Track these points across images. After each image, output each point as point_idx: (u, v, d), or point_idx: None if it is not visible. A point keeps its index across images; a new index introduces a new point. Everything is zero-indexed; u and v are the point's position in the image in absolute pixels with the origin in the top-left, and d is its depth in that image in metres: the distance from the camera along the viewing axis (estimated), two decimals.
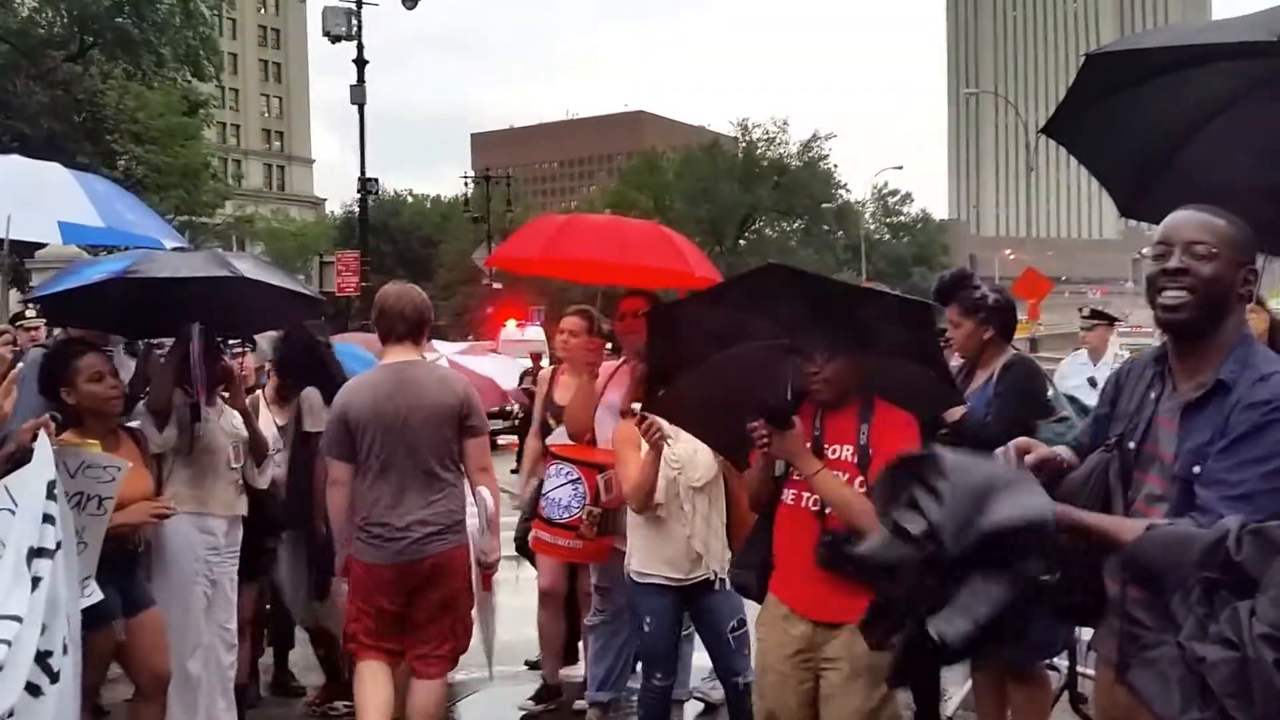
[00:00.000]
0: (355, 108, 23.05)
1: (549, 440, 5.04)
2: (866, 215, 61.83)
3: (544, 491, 4.59)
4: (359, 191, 24.71)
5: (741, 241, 55.57)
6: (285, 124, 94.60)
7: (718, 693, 5.24)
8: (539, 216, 6.56)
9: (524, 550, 5.27)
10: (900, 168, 68.16)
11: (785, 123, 57.29)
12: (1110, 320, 8.08)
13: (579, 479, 4.48)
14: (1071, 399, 4.45)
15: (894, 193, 65.41)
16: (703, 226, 49.85)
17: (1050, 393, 4.07)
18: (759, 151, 56.44)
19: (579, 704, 4.99)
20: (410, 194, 65.02)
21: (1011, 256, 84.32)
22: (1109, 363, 7.38)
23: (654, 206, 49.89)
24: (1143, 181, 3.75)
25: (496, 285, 33.38)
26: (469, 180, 42.16)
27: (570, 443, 4.78)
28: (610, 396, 4.71)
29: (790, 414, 3.05)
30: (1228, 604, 1.42)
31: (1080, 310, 8.57)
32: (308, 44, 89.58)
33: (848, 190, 59.72)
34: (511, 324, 21.61)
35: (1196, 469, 2.11)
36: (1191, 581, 1.47)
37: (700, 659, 4.93)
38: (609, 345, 5.23)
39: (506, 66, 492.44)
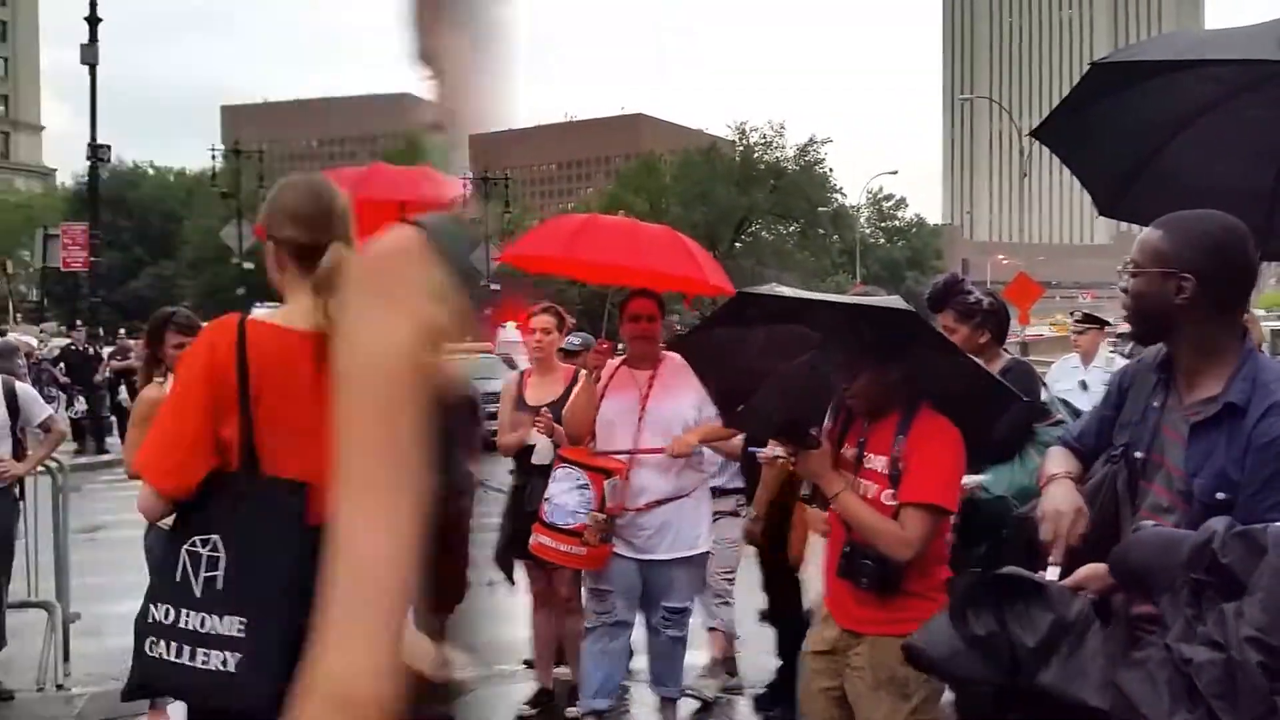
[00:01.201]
0: (87, 70, 21.53)
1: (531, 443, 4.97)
2: (861, 219, 61.98)
3: (548, 496, 4.50)
4: (89, 159, 22.84)
5: (737, 244, 55.66)
6: (10, 87, 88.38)
7: (710, 690, 5.29)
8: (554, 217, 6.65)
9: (504, 559, 5.19)
10: (895, 172, 68.45)
11: (782, 126, 57.61)
12: (1101, 324, 8.14)
13: (587, 484, 4.43)
14: (1064, 402, 4.49)
15: (889, 197, 65.68)
16: (699, 230, 49.91)
17: (1045, 396, 4.12)
18: (756, 155, 56.52)
19: (571, 711, 4.97)
20: (151, 166, 63.52)
21: (1004, 261, 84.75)
22: (1100, 366, 7.46)
23: (650, 209, 49.90)
24: (1123, 182, 3.81)
25: (248, 266, 29.95)
26: (216, 154, 39.04)
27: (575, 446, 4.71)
28: (614, 397, 4.67)
29: (807, 432, 3.04)
30: (1215, 605, 1.42)
31: (1072, 314, 8.61)
32: (38, 4, 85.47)
33: (843, 194, 59.76)
34: (510, 326, 21.40)
35: (1221, 495, 2.09)
36: (1179, 583, 1.48)
37: (692, 657, 4.95)
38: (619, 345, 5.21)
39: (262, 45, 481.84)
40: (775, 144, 56.49)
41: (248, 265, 30.84)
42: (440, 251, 1.10)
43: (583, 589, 4.84)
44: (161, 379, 4.55)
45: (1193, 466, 2.16)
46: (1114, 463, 2.32)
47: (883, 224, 65.17)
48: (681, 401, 4.53)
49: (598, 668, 4.62)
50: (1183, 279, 2.18)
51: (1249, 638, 1.33)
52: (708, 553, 4.77)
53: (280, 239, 2.39)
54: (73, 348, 18.19)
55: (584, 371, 5.08)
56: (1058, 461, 2.54)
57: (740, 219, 56.13)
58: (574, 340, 6.05)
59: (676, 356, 4.38)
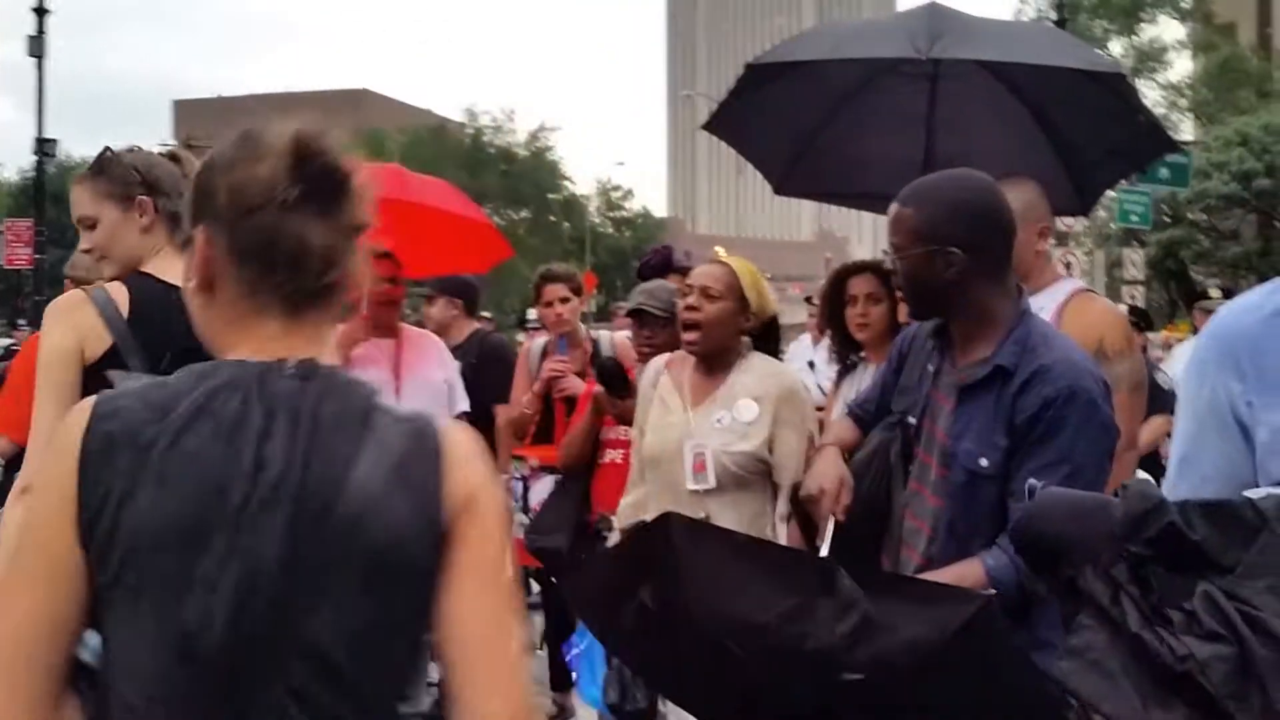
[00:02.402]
0: (34, 63, 20.99)
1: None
2: (591, 208, 62.91)
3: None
4: (35, 153, 22.38)
5: None
6: None
7: None
8: None
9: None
10: (622, 164, 71.34)
11: (512, 112, 58.09)
12: None
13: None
14: None
15: (617, 188, 67.87)
16: None
17: None
18: (486, 139, 56.45)
19: None
20: None
21: (723, 254, 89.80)
22: (825, 346, 8.11)
23: None
24: (790, 162, 4.01)
25: None
26: (166, 150, 39.52)
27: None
28: (363, 371, 4.06)
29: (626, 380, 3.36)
30: (1171, 585, 1.21)
31: (808, 299, 8.97)
32: None
33: (573, 183, 60.31)
34: None
35: (984, 462, 2.03)
36: (1107, 557, 1.25)
37: None
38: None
39: (214, 38, 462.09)
40: (505, 129, 56.44)
41: None
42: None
43: None
44: None
45: (957, 430, 2.09)
46: (889, 430, 2.26)
47: (611, 214, 66.36)
48: (433, 370, 4.28)
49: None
50: (949, 254, 2.08)
51: (1268, 631, 1.12)
52: None
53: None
54: (15, 349, 17.48)
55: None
56: (831, 431, 2.51)
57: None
58: None
59: (410, 327, 4.40)
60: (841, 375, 3.71)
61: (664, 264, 4.44)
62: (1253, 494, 1.27)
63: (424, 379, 4.19)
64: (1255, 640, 1.14)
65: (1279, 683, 1.12)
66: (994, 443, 2.03)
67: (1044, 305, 2.86)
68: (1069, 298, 2.94)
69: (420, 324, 5.29)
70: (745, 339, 3.05)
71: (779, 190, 4.24)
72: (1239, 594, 1.18)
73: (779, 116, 3.85)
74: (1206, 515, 1.23)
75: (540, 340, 4.88)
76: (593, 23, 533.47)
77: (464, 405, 4.42)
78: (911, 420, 2.20)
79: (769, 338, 3.14)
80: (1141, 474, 4.40)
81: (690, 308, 3.00)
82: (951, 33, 3.27)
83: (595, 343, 4.67)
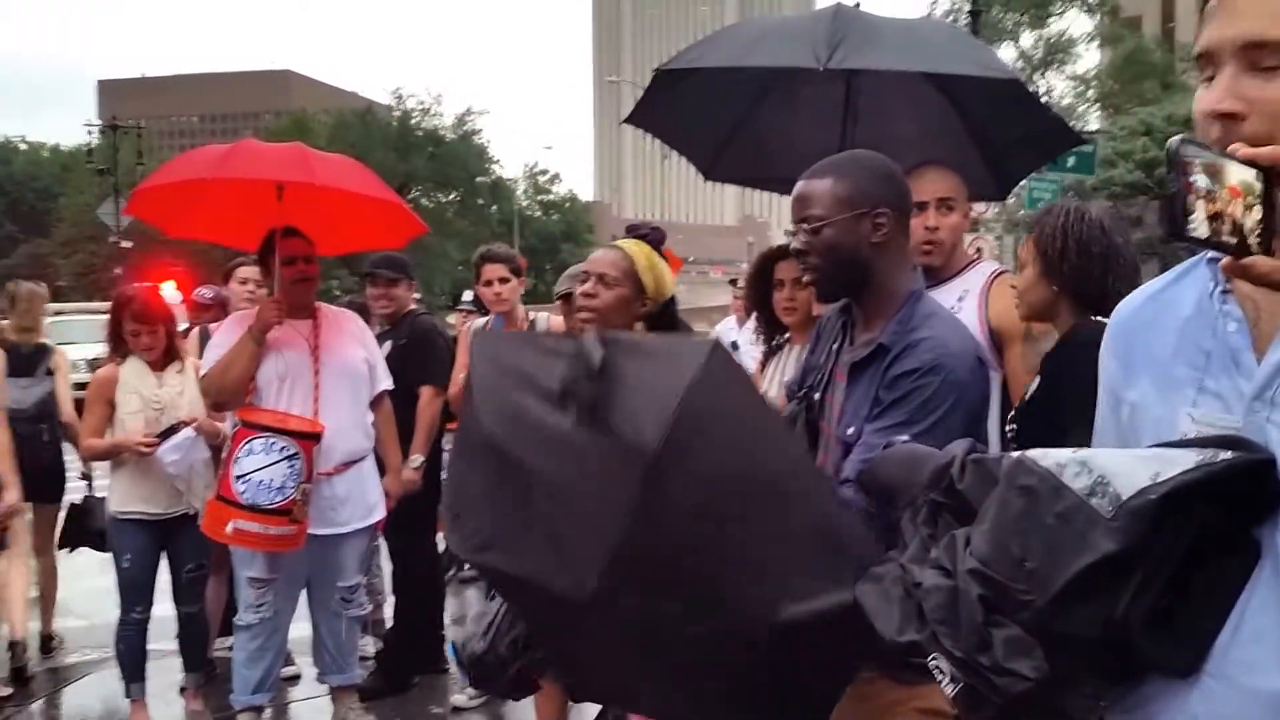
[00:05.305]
0: None
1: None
2: (519, 192, 62.62)
3: (243, 473, 3.83)
4: None
5: None
6: None
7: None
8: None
9: None
10: (550, 148, 71.36)
11: (440, 95, 57.59)
12: None
13: (296, 453, 3.86)
14: None
15: (544, 171, 67.45)
16: None
17: None
18: (414, 121, 55.90)
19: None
20: (24, 141, 59.59)
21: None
22: (750, 328, 8.39)
23: None
24: (716, 150, 4.10)
25: (126, 244, 31.57)
26: (93, 130, 38.95)
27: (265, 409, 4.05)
28: (281, 351, 4.13)
29: None
30: (950, 529, 1.32)
31: (734, 282, 9.14)
32: None
33: (501, 166, 60.06)
34: (170, 287, 21.57)
35: (850, 431, 2.11)
36: (920, 502, 1.38)
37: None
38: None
39: (140, 16, 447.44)
40: (433, 112, 56.15)
41: (126, 244, 29.41)
42: None
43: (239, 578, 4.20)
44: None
45: (845, 407, 2.17)
46: (799, 404, 2.34)
47: (539, 197, 65.47)
48: (351, 349, 4.26)
49: (255, 665, 4.13)
50: (878, 215, 2.14)
51: (972, 570, 1.23)
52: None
53: None
54: None
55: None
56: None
57: (399, 185, 55.82)
58: (205, 293, 5.85)
59: (328, 306, 4.38)
60: (767, 357, 3.81)
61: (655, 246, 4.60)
62: (1022, 455, 1.31)
63: (343, 358, 4.21)
64: (962, 576, 1.26)
65: (967, 615, 1.24)
66: (860, 414, 2.10)
67: (968, 287, 2.99)
68: (991, 280, 3.03)
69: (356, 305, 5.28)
70: (639, 324, 2.99)
71: (708, 176, 4.30)
72: (970, 537, 1.28)
73: (699, 111, 3.90)
74: (974, 468, 1.34)
75: (480, 321, 4.92)
76: (520, 6, 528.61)
77: (386, 383, 4.44)
78: (816, 396, 2.29)
79: (666, 318, 3.09)
80: None
81: (586, 294, 2.96)
82: (851, 40, 3.29)
83: (533, 323, 4.74)
